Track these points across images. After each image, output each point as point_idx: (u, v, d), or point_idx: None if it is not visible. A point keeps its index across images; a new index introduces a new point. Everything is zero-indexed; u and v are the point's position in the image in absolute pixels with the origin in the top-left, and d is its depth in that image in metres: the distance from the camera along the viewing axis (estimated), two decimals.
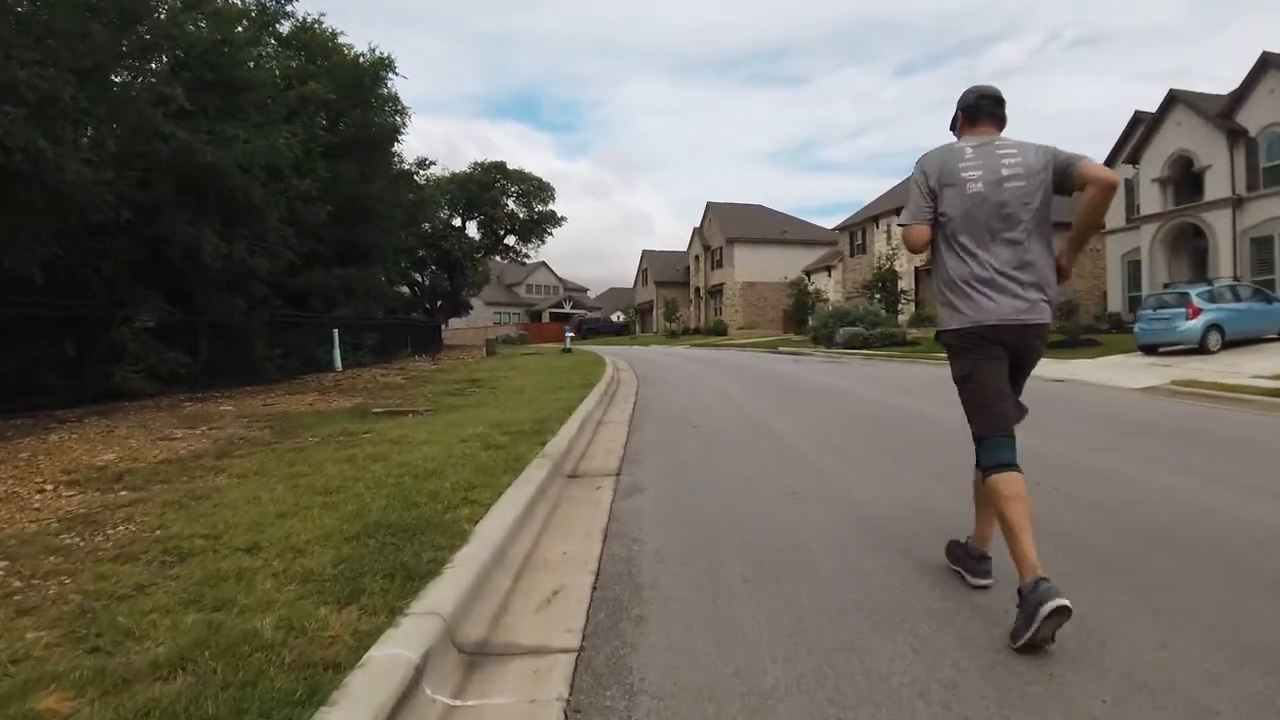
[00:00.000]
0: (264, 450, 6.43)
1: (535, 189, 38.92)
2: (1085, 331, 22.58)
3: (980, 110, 3.04)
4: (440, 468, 5.23)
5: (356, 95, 18.61)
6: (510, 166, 38.39)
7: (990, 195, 2.83)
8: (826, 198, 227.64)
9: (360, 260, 19.69)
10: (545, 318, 73.52)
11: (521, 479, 4.85)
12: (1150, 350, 17.93)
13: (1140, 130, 27.38)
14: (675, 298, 56.61)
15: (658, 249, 67.55)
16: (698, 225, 58.14)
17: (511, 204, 39.47)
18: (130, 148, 10.07)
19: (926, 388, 11.98)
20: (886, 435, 7.17)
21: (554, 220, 40.11)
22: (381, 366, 18.52)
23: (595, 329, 65.39)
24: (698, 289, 58.12)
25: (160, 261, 10.80)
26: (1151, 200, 26.53)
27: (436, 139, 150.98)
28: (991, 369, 2.89)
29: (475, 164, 38.67)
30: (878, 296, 35.18)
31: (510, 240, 40.84)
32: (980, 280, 2.85)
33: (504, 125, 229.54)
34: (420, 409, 9.24)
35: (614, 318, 74.06)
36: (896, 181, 44.64)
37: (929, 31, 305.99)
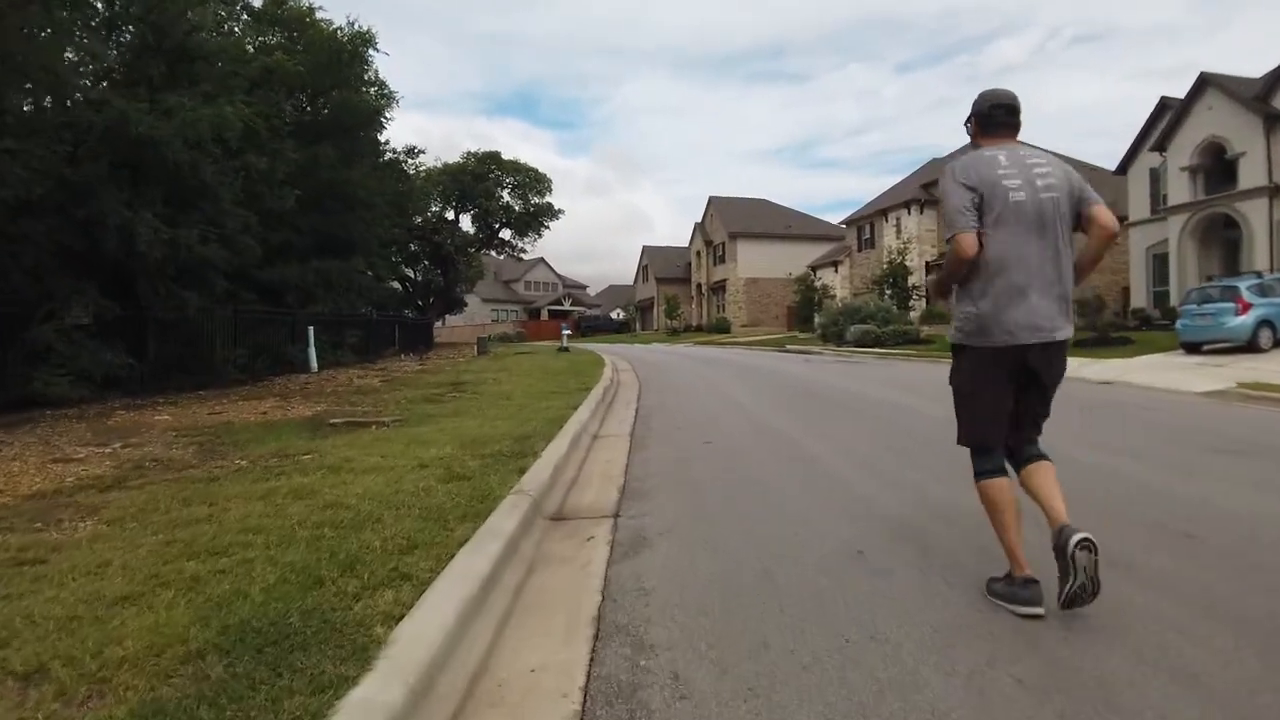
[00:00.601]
0: (169, 479, 5.08)
1: (531, 180, 37.26)
2: (1113, 328, 21.25)
3: (994, 121, 2.95)
4: (378, 511, 3.90)
5: (335, 73, 17.23)
6: (505, 157, 37.00)
7: (1030, 205, 2.75)
8: (830, 195, 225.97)
9: (341, 252, 18.34)
10: (544, 315, 72.10)
11: (484, 531, 3.52)
12: (1193, 349, 16.59)
13: (1168, 116, 26.00)
14: (677, 294, 55.23)
15: (659, 244, 66.18)
16: (699, 220, 56.76)
17: (506, 196, 38.02)
18: (56, 117, 8.71)
19: None
20: (927, 452, 5.81)
21: (551, 213, 38.45)
22: (362, 367, 17.18)
23: (595, 326, 64.04)
24: (699, 285, 56.74)
25: (96, 249, 9.44)
26: (1180, 190, 25.17)
27: (436, 136, 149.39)
28: (1005, 385, 2.86)
29: (468, 154, 37.30)
30: (888, 293, 33.81)
31: (506, 234, 39.26)
32: (1017, 295, 2.74)
33: (504, 122, 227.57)
34: (386, 419, 7.89)
35: (614, 315, 72.71)
36: (900, 178, 43.36)
37: (930, 29, 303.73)
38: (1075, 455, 5.35)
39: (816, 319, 37.46)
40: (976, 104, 3.00)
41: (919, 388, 11.02)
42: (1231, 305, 15.72)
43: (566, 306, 73.98)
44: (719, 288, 53.63)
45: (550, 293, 78.62)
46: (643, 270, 66.50)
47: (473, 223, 37.76)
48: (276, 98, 13.10)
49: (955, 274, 2.86)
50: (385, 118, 23.60)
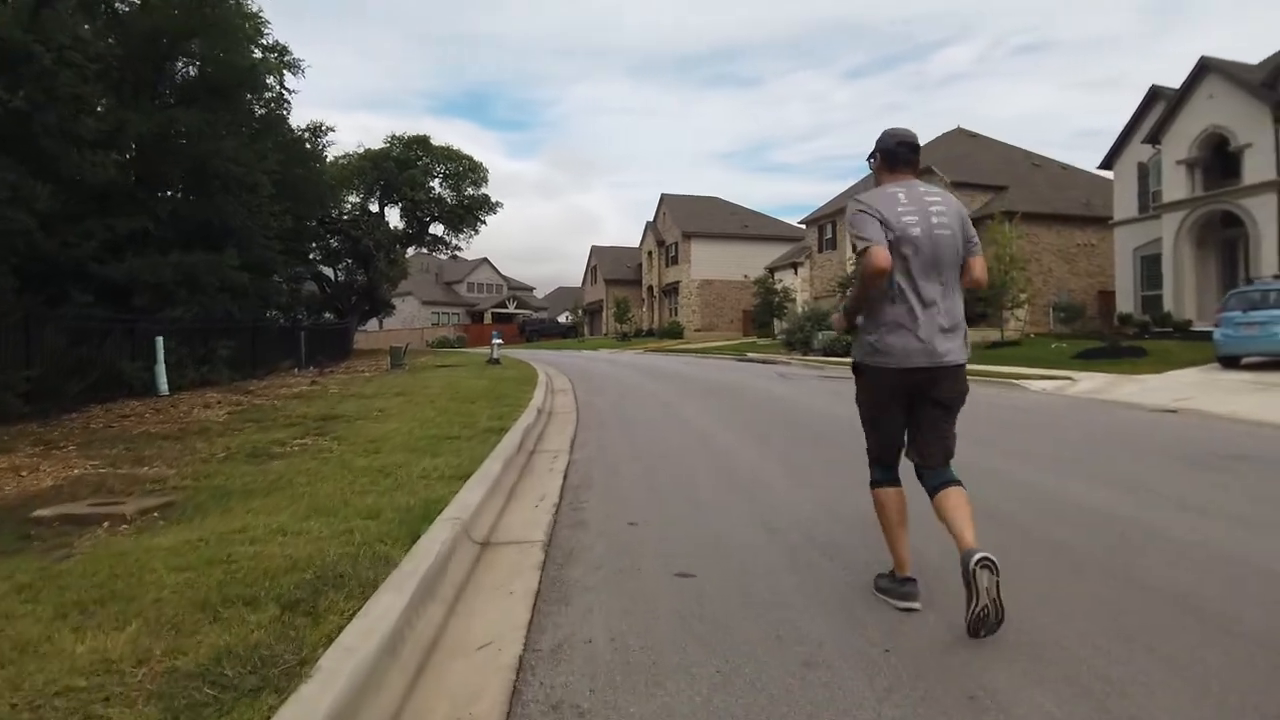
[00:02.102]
0: None
1: (465, 170, 33.15)
2: (1121, 338, 18.88)
3: (899, 158, 3.10)
4: None
5: (197, 17, 13.71)
6: (435, 142, 33.05)
7: (926, 241, 2.91)
8: (781, 200, 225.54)
9: (215, 243, 14.79)
10: (487, 318, 68.32)
11: None
12: (1231, 362, 14.16)
13: (1162, 106, 23.91)
14: (627, 297, 52.15)
15: (608, 244, 63.06)
16: (651, 219, 53.85)
17: (437, 186, 33.98)
18: None
19: (1039, 434, 7.85)
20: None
21: (487, 206, 34.20)
22: (231, 388, 13.65)
23: (541, 330, 60.53)
24: (651, 288, 53.82)
25: None
26: (1176, 185, 23.06)
27: (381, 136, 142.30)
28: (899, 405, 3.07)
29: (393, 138, 32.95)
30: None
31: (438, 230, 35.31)
32: (909, 322, 2.92)
33: (453, 123, 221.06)
34: (130, 509, 4.64)
35: (561, 318, 69.28)
36: (854, 182, 41.09)
37: (881, 36, 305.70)
38: None
39: (779, 324, 34.87)
40: (883, 141, 3.13)
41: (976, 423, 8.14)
42: None
43: (511, 309, 70.32)
44: (671, 290, 50.81)
45: (495, 295, 74.81)
46: (591, 271, 63.31)
47: (401, 216, 33.84)
48: (73, 22, 9.62)
49: (870, 288, 2.94)
50: (286, 89, 20.16)
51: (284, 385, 14.23)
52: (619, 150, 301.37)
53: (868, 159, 3.23)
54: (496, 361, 19.38)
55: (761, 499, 5.03)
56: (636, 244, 57.97)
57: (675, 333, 46.22)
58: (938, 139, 37.93)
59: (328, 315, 31.96)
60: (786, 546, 3.96)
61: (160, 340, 12.43)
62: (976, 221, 32.46)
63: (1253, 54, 21.87)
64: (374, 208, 32.71)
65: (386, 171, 31.01)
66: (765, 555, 3.82)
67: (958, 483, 2.96)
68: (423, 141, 32.82)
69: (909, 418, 3.08)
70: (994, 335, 28.39)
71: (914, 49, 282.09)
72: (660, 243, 52.11)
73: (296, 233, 23.36)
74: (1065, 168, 37.76)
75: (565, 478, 5.76)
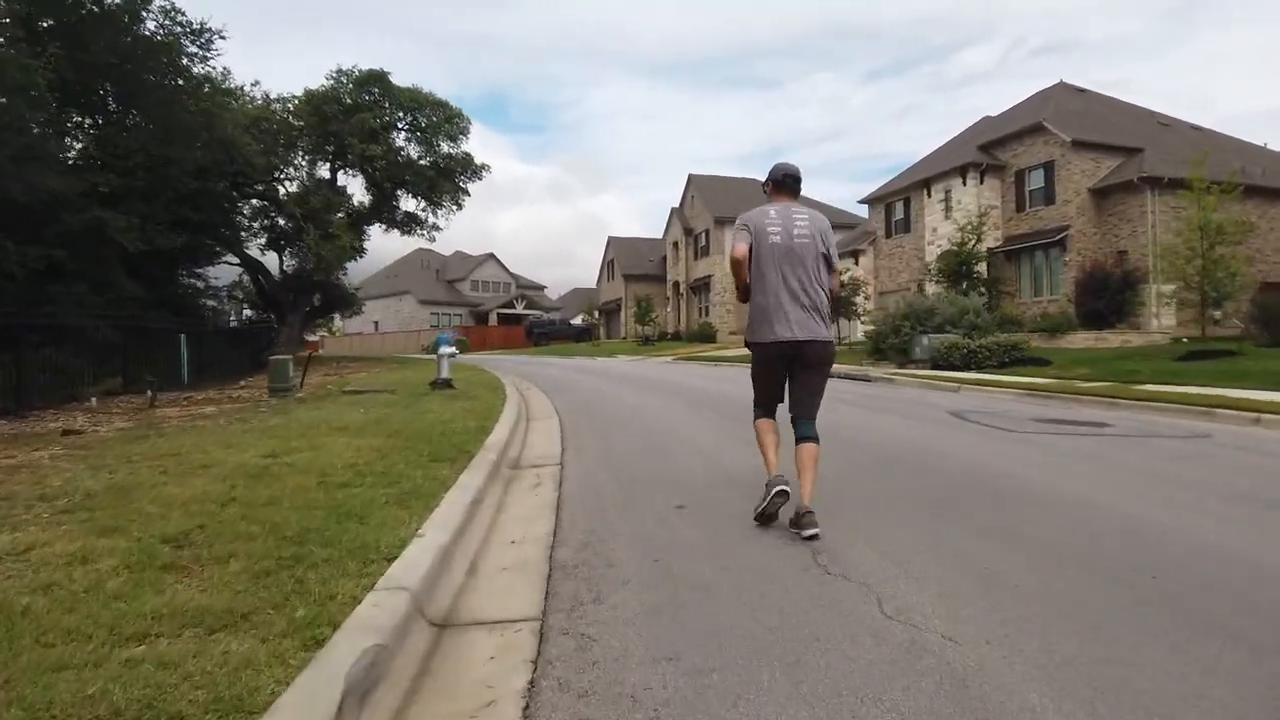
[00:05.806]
0: None
1: (442, 121, 25.24)
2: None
3: (783, 185, 4.19)
4: None
5: None
6: (398, 83, 24.79)
7: (785, 246, 3.98)
8: (804, 199, 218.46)
9: None
10: (493, 319, 61.33)
11: None
12: None
13: None
14: (650, 295, 44.98)
15: (626, 235, 55.99)
16: (676, 205, 46.73)
17: (402, 142, 25.68)
18: None
19: None
20: None
21: (470, 169, 26.47)
22: None
23: (549, 333, 53.15)
24: (677, 284, 46.63)
25: None
26: None
27: None
28: (776, 370, 4.13)
29: (339, 73, 24.54)
30: (939, 285, 24.08)
31: (410, 203, 27.29)
32: (777, 308, 3.96)
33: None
34: None
35: (575, 320, 62.11)
36: (878, 184, 33.69)
37: (897, 38, 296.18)
38: None
39: (859, 326, 27.94)
40: (772, 173, 4.24)
41: None
42: None
43: (520, 310, 63.19)
44: (701, 286, 43.61)
45: (502, 294, 67.59)
46: (608, 267, 56.08)
47: (367, 189, 26.26)
48: None
49: (738, 277, 4.11)
50: None
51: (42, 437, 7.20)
52: (635, 153, 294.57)
53: (763, 186, 4.34)
54: (446, 384, 11.77)
55: None
56: (659, 235, 50.89)
57: (707, 336, 39.11)
58: (1038, 94, 30.53)
59: (271, 316, 25.02)
60: None
61: None
62: (1106, 191, 25.08)
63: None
64: (324, 173, 25.35)
65: (331, 120, 23.55)
66: None
67: (813, 440, 3.99)
68: (380, 79, 24.76)
69: (785, 379, 4.14)
70: (1136, 339, 21.05)
71: (931, 50, 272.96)
72: (688, 231, 44.95)
73: (192, 195, 16.45)
74: (1197, 128, 30.34)
75: None
